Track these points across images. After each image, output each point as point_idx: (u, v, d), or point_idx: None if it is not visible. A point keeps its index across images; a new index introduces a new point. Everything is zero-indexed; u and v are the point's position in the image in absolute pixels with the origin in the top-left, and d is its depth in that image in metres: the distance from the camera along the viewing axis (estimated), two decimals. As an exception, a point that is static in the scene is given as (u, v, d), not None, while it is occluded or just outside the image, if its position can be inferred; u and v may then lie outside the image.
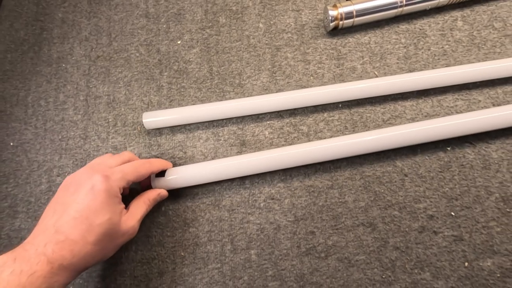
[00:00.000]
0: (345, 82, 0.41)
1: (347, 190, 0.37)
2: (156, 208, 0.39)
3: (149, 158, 0.41)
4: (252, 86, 0.43)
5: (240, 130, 0.41)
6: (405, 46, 0.43)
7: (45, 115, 0.44)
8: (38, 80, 0.46)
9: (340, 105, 0.41)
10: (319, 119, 0.41)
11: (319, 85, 0.42)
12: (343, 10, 0.41)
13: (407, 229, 0.36)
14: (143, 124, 0.41)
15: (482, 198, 0.36)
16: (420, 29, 0.43)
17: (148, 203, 0.35)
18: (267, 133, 0.41)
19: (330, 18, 0.42)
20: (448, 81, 0.40)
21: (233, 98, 0.43)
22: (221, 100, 0.43)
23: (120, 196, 0.31)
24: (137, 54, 0.46)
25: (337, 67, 0.43)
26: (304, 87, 0.42)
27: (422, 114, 0.40)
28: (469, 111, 0.39)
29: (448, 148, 0.38)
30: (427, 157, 0.38)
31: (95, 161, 0.34)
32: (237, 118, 0.42)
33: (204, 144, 0.41)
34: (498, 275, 0.33)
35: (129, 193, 0.38)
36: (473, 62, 0.41)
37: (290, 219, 0.37)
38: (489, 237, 0.34)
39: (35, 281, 0.25)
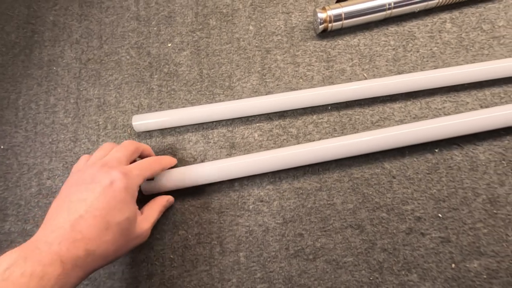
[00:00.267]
0: (334, 84, 0.42)
1: (335, 192, 0.38)
2: (146, 211, 0.39)
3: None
4: (242, 88, 0.43)
5: (230, 133, 0.41)
6: (394, 48, 0.43)
7: (35, 118, 0.44)
8: (29, 83, 0.46)
9: (329, 107, 0.41)
10: (308, 121, 0.41)
11: (309, 87, 0.42)
12: (332, 12, 0.42)
13: (394, 231, 0.36)
14: (133, 127, 0.41)
15: (469, 199, 0.36)
16: (409, 31, 0.43)
17: (160, 208, 0.35)
18: (256, 135, 0.41)
19: (319, 20, 0.42)
20: (436, 83, 0.40)
21: (223, 101, 0.43)
22: (211, 103, 0.43)
23: (137, 195, 0.31)
24: (128, 57, 0.46)
25: (327, 69, 0.43)
26: (294, 89, 0.42)
27: (410, 116, 0.40)
28: (457, 113, 0.39)
29: (436, 150, 0.38)
30: (415, 159, 0.38)
31: (99, 153, 0.33)
32: (226, 120, 0.42)
33: (193, 147, 0.41)
34: (485, 276, 0.33)
35: None
36: (461, 64, 0.41)
37: (278, 221, 0.37)
38: (475, 238, 0.35)
39: (46, 283, 0.23)
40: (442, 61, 0.42)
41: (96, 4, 0.50)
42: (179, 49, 0.46)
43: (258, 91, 0.43)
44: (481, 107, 0.39)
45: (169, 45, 0.46)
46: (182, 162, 0.41)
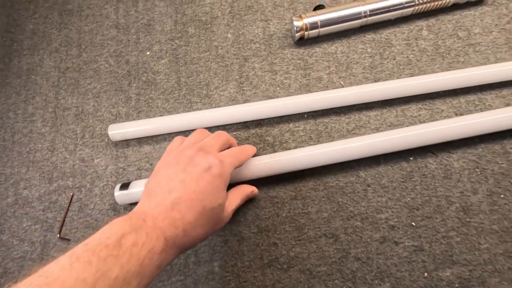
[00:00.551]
0: (311, 92, 0.42)
1: (310, 201, 0.38)
2: (122, 220, 0.39)
3: (117, 169, 0.41)
4: (219, 96, 0.43)
5: (207, 141, 0.41)
6: (371, 56, 0.43)
7: (13, 127, 0.44)
8: (7, 92, 0.46)
9: (305, 115, 0.41)
10: (284, 130, 0.41)
11: (286, 95, 0.42)
12: (308, 20, 0.42)
13: (368, 239, 0.36)
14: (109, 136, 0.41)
15: (442, 207, 0.36)
16: (386, 39, 0.43)
17: (243, 197, 0.35)
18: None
19: (295, 28, 0.42)
20: (412, 91, 0.40)
21: (200, 109, 0.43)
22: (188, 111, 0.43)
23: (228, 183, 0.31)
24: (107, 65, 0.46)
25: (304, 77, 0.43)
26: (271, 97, 0.42)
27: (386, 124, 0.40)
28: (432, 120, 0.39)
29: (411, 158, 0.38)
30: (390, 167, 0.38)
31: (196, 138, 0.34)
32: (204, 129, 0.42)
33: (170, 156, 0.41)
34: (457, 285, 0.33)
35: None
36: (437, 71, 0.41)
37: (253, 231, 0.37)
38: (448, 247, 0.35)
39: (152, 256, 0.24)
40: (418, 69, 0.42)
41: (76, 12, 0.50)
42: (157, 57, 0.46)
43: (235, 99, 0.43)
44: (456, 114, 0.39)
45: (148, 53, 0.46)
46: (158, 171, 0.41)
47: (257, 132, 0.41)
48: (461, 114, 0.39)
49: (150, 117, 0.43)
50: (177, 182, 0.28)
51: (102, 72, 0.46)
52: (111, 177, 0.41)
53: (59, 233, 0.39)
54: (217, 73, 0.44)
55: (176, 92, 0.44)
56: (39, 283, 0.20)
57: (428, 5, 0.42)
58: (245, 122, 0.42)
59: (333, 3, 0.46)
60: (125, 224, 0.25)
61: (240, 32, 0.46)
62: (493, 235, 0.35)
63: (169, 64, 0.45)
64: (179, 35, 0.47)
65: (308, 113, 0.41)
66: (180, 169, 0.29)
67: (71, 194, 0.41)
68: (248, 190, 0.36)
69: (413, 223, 0.36)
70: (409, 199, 0.37)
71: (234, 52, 0.45)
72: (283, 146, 0.40)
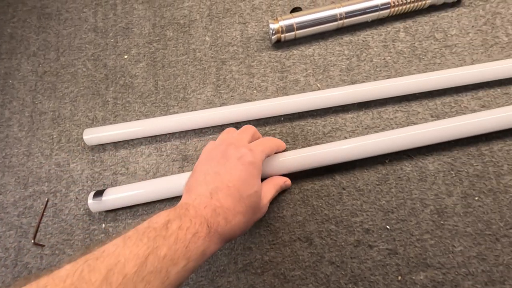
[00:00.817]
0: (288, 95, 0.41)
1: (285, 204, 0.37)
2: (97, 225, 0.39)
3: (93, 174, 0.41)
4: (196, 100, 0.43)
5: (183, 145, 0.41)
6: (348, 58, 0.43)
7: (-11, 132, 0.44)
8: (-16, 96, 0.46)
9: (282, 118, 0.41)
10: (261, 133, 0.40)
11: (263, 98, 0.42)
12: (284, 23, 0.41)
13: (343, 243, 0.36)
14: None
15: (417, 210, 0.36)
16: (363, 41, 0.43)
17: (277, 187, 0.35)
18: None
19: (271, 31, 0.42)
20: (388, 93, 0.40)
21: (177, 112, 0.42)
22: (165, 115, 0.42)
23: (261, 171, 0.32)
24: (84, 69, 0.46)
25: (281, 80, 0.43)
26: (248, 100, 0.42)
27: (362, 126, 0.40)
28: (408, 122, 0.39)
29: (387, 161, 0.38)
30: (365, 170, 0.38)
31: (226, 136, 0.35)
32: (180, 132, 0.42)
33: (146, 160, 0.41)
34: (430, 288, 0.33)
35: None
36: (413, 73, 0.41)
37: (228, 235, 0.37)
38: (422, 250, 0.34)
39: (197, 241, 0.25)
40: (395, 71, 0.42)
41: (55, 16, 0.50)
42: (135, 61, 0.46)
43: (212, 102, 0.43)
44: (432, 116, 0.39)
45: (126, 56, 0.46)
46: (134, 175, 0.40)
47: (233, 135, 0.41)
48: (437, 116, 0.39)
49: (127, 121, 0.43)
50: (213, 174, 0.30)
51: (79, 76, 0.46)
52: (87, 181, 0.41)
53: (34, 238, 0.39)
54: (195, 76, 0.44)
55: (153, 95, 0.44)
56: (96, 256, 0.22)
57: (404, 7, 0.42)
58: (221, 126, 0.41)
59: (311, 5, 0.46)
60: (170, 213, 0.26)
61: (218, 35, 0.46)
62: (467, 238, 0.34)
63: (146, 67, 0.45)
64: (157, 38, 0.47)
65: (284, 116, 0.41)
66: (215, 163, 0.31)
67: (46, 199, 0.40)
68: (281, 180, 0.36)
69: (387, 226, 0.36)
70: (384, 202, 0.37)
71: (212, 55, 0.45)
72: (259, 149, 0.40)
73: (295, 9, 0.44)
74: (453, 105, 0.39)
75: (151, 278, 0.22)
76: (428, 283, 0.33)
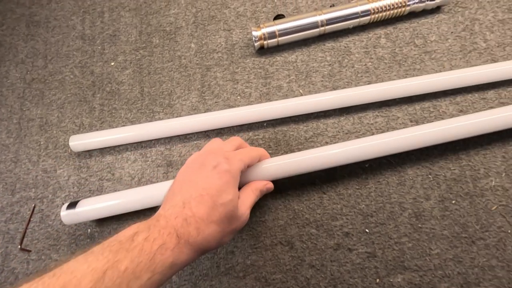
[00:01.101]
0: (271, 101, 0.42)
1: (266, 208, 0.38)
2: (83, 231, 0.39)
3: (80, 180, 0.42)
4: (181, 106, 0.44)
5: (168, 151, 0.42)
6: (330, 64, 0.44)
7: (-22, 139, 0.45)
8: (-27, 104, 0.47)
9: (265, 124, 0.42)
10: (244, 138, 0.41)
11: (246, 104, 0.43)
12: (266, 30, 0.42)
13: (323, 247, 0.36)
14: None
15: (396, 214, 0.37)
16: (345, 47, 0.44)
17: (256, 193, 0.34)
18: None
19: (254, 38, 0.42)
20: (368, 98, 0.40)
21: (162, 119, 0.43)
22: (150, 121, 0.43)
23: (239, 179, 0.31)
24: (72, 76, 0.47)
25: (264, 86, 0.43)
26: (232, 106, 0.43)
27: (343, 131, 0.40)
28: (388, 127, 0.40)
29: (366, 165, 0.39)
30: (345, 174, 0.39)
31: (209, 146, 0.35)
32: (165, 138, 0.42)
33: (132, 165, 0.42)
34: (407, 291, 0.34)
35: None
36: (394, 79, 0.42)
37: (211, 239, 0.37)
38: (400, 253, 0.35)
39: (164, 252, 0.25)
40: (375, 76, 0.42)
41: (43, 24, 0.50)
42: (122, 68, 0.46)
43: (197, 108, 0.43)
44: (411, 121, 0.40)
45: (112, 63, 0.47)
46: (119, 181, 0.41)
47: (217, 141, 0.42)
48: (416, 121, 0.40)
49: (113, 127, 0.43)
50: (188, 183, 0.29)
51: (67, 83, 0.46)
52: (73, 187, 0.41)
53: (20, 244, 0.39)
54: (180, 83, 0.45)
55: (139, 102, 0.44)
56: (53, 273, 0.22)
57: (384, 13, 0.42)
58: (205, 131, 0.42)
59: (295, 12, 0.46)
60: (140, 225, 0.26)
61: (203, 42, 0.47)
62: (443, 241, 0.35)
63: (133, 74, 0.46)
64: (144, 45, 0.47)
65: (267, 121, 0.42)
66: (191, 172, 0.31)
67: (33, 205, 0.41)
68: (260, 184, 0.34)
69: (367, 230, 0.36)
70: (363, 206, 0.37)
71: (197, 61, 0.46)
72: (243, 154, 0.41)
73: (278, 16, 0.45)
74: (432, 110, 0.40)
75: None
76: (405, 285, 0.34)
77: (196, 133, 0.42)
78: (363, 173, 0.38)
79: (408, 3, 0.42)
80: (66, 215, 0.36)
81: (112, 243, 0.24)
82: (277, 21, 0.43)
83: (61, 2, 0.51)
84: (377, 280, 0.35)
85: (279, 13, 0.46)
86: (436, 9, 0.44)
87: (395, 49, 0.43)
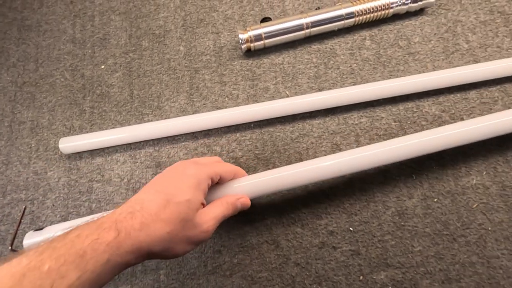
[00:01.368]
0: (258, 102, 0.43)
1: (253, 208, 0.39)
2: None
3: (70, 181, 0.42)
4: (170, 108, 0.44)
5: (156, 152, 0.42)
6: (316, 66, 0.44)
7: (-31, 142, 0.45)
8: (-35, 107, 0.47)
9: (252, 125, 0.43)
10: (231, 139, 0.42)
11: (234, 106, 0.43)
12: (252, 33, 0.43)
13: (308, 245, 0.37)
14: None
15: (379, 212, 0.37)
16: (331, 49, 0.45)
17: (226, 205, 0.32)
18: (181, 154, 0.42)
19: (240, 41, 0.43)
20: (353, 99, 0.41)
21: (151, 121, 0.44)
22: (140, 123, 0.44)
23: (206, 188, 0.30)
24: (62, 79, 0.47)
25: (251, 88, 0.44)
26: (220, 108, 0.44)
27: (328, 131, 0.41)
28: (372, 127, 0.41)
29: (351, 165, 0.39)
30: (331, 174, 0.39)
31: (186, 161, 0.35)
32: (154, 140, 0.43)
33: (121, 167, 0.42)
34: (390, 287, 0.34)
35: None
36: (378, 80, 0.43)
37: (198, 239, 0.38)
38: (383, 250, 0.36)
39: (98, 247, 0.23)
40: (360, 77, 0.43)
41: (35, 28, 0.51)
42: (112, 71, 0.47)
43: (185, 110, 0.44)
44: (395, 121, 0.41)
45: (103, 67, 0.47)
46: (109, 182, 0.42)
47: (205, 142, 0.42)
48: (400, 121, 0.41)
49: (103, 130, 0.44)
50: (151, 185, 0.29)
51: (57, 86, 0.47)
52: (63, 189, 0.42)
53: (11, 245, 0.40)
54: (169, 85, 0.45)
55: (128, 104, 0.45)
56: None
57: (369, 16, 0.43)
58: (193, 133, 0.43)
59: (281, 15, 0.47)
60: (84, 224, 0.25)
61: (192, 45, 0.47)
62: (425, 238, 0.36)
63: (122, 77, 0.47)
64: (133, 48, 0.48)
65: (254, 123, 0.42)
66: (158, 176, 0.30)
67: (24, 206, 0.41)
68: (232, 198, 0.32)
69: (351, 228, 0.37)
70: (348, 204, 0.38)
71: (186, 64, 0.46)
72: (230, 155, 0.41)
73: (265, 19, 0.46)
74: (415, 110, 0.41)
75: None
76: (388, 282, 0.35)
77: (184, 134, 0.43)
78: (347, 173, 0.39)
79: (392, 5, 0.43)
80: (30, 235, 0.36)
81: (42, 243, 0.23)
82: (263, 24, 0.43)
83: (52, 6, 0.52)
84: (361, 277, 0.35)
85: (266, 16, 0.47)
86: (420, 11, 0.45)
87: (379, 51, 0.44)
